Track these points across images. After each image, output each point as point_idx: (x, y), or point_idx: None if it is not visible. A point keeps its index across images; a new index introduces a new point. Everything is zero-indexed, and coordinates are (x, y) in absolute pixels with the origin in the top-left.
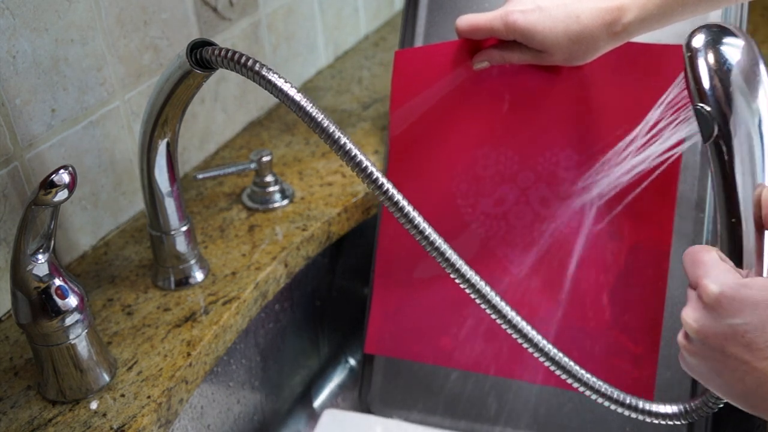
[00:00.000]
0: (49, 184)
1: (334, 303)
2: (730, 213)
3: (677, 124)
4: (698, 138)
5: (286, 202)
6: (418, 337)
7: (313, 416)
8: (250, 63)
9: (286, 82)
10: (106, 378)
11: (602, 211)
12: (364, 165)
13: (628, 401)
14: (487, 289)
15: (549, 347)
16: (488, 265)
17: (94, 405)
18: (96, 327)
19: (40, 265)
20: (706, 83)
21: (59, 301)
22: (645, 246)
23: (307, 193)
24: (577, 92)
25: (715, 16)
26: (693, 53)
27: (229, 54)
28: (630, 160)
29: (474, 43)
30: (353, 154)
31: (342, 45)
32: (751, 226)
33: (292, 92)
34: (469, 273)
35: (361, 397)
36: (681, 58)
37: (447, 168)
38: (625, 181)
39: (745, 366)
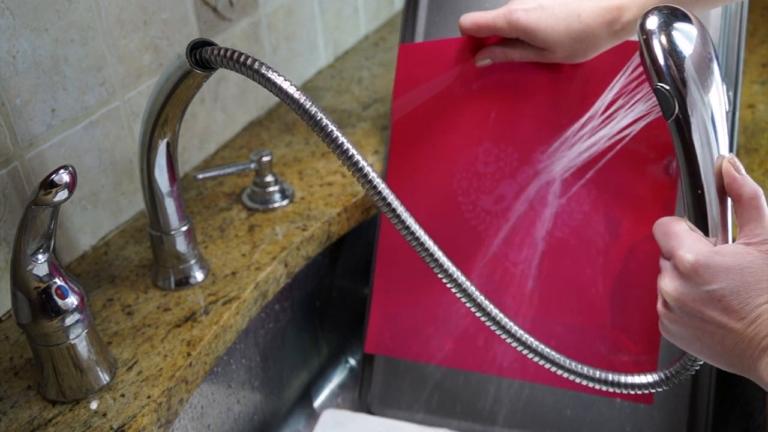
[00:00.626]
0: (49, 184)
1: (334, 303)
2: (695, 185)
3: (631, 105)
4: (654, 117)
5: (286, 202)
6: (418, 337)
7: (313, 416)
8: (249, 62)
9: (286, 80)
10: (106, 378)
11: (602, 211)
12: (360, 164)
13: (605, 377)
14: (476, 293)
15: (521, 333)
16: (488, 264)
17: (94, 405)
18: (96, 327)
19: (40, 265)
20: (662, 63)
21: (59, 301)
22: (644, 246)
23: (307, 193)
24: (576, 89)
25: (715, 15)
26: (648, 35)
27: (229, 53)
28: (582, 142)
29: (477, 41)
30: (350, 153)
31: (342, 45)
32: (714, 196)
33: (292, 90)
34: (459, 276)
35: (361, 397)
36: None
37: (447, 164)
38: (583, 161)
39: (723, 329)
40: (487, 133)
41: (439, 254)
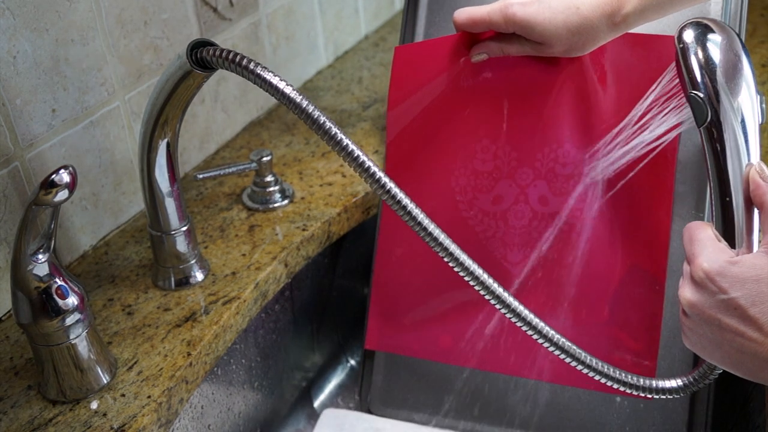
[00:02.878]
0: (49, 184)
1: (334, 303)
2: (723, 193)
3: (666, 114)
4: (686, 127)
5: (286, 202)
6: (419, 334)
7: (313, 416)
8: (245, 62)
9: (281, 80)
10: (107, 378)
11: (600, 209)
12: (362, 160)
13: (632, 380)
14: (491, 282)
15: (553, 334)
16: (486, 263)
17: (94, 405)
18: (96, 327)
19: (41, 265)
20: (697, 73)
21: (59, 301)
22: (643, 244)
23: (307, 193)
24: (575, 84)
25: (715, 9)
26: (684, 46)
27: (226, 54)
28: (618, 150)
29: (472, 37)
30: (351, 149)
31: (342, 45)
32: (741, 204)
33: (289, 90)
34: (474, 267)
35: (361, 397)
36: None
37: (445, 163)
38: (615, 170)
39: (742, 337)
40: (485, 130)
41: (447, 242)
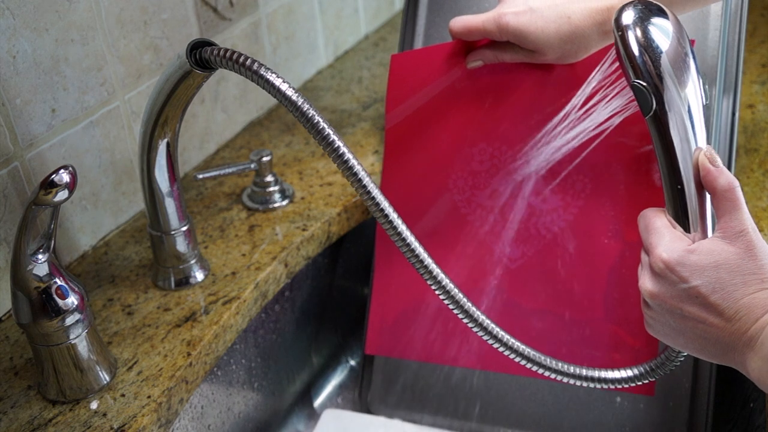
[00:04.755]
0: (49, 184)
1: (334, 303)
2: (674, 180)
3: (609, 99)
4: (633, 111)
5: (286, 202)
6: (419, 337)
7: (313, 416)
8: (248, 63)
9: (284, 82)
10: (107, 378)
11: (598, 206)
12: (355, 169)
13: (585, 374)
14: (461, 297)
15: (513, 342)
16: (485, 259)
17: (94, 405)
18: (96, 327)
19: (41, 265)
20: (638, 59)
21: (59, 301)
22: (640, 241)
23: (307, 193)
24: (569, 89)
25: (715, 15)
26: (623, 31)
27: (228, 54)
28: (562, 137)
29: (467, 44)
30: (346, 158)
31: (342, 45)
32: (693, 190)
33: (290, 92)
34: (447, 282)
35: (361, 397)
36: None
37: (442, 165)
38: (560, 156)
39: (704, 323)
40: (480, 132)
41: (428, 261)
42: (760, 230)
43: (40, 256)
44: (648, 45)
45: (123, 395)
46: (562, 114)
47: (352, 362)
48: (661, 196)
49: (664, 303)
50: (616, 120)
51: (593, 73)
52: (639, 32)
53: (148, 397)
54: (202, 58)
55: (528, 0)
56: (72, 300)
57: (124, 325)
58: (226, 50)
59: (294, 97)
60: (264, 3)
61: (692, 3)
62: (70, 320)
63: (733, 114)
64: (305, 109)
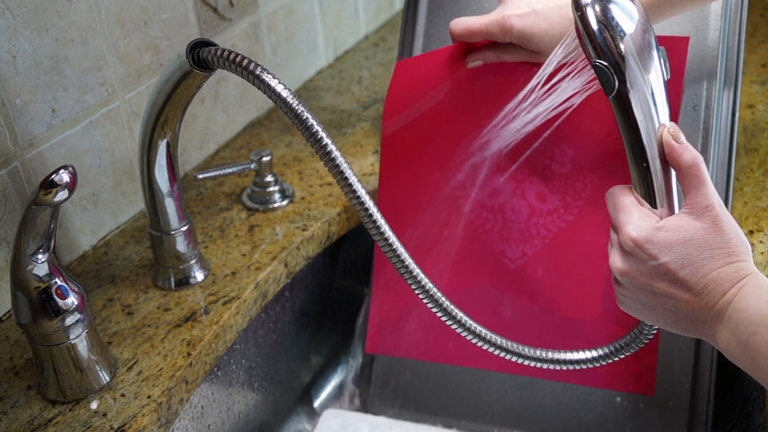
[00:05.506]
0: (49, 184)
1: (334, 303)
2: (640, 158)
3: (573, 77)
4: (595, 89)
5: (286, 202)
6: (419, 336)
7: (313, 416)
8: (245, 63)
9: (280, 83)
10: (107, 378)
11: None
12: (346, 174)
13: (549, 356)
14: (444, 300)
15: (473, 325)
16: (485, 258)
17: (94, 405)
18: (96, 327)
19: (41, 265)
20: (599, 38)
21: (59, 301)
22: None
23: (307, 193)
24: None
25: (715, 15)
26: (582, 10)
27: (225, 54)
28: (525, 115)
29: (468, 46)
30: (337, 162)
31: (342, 45)
32: (659, 166)
33: (285, 94)
34: (431, 287)
35: (361, 397)
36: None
37: (443, 162)
38: (523, 134)
39: (674, 299)
40: (479, 131)
41: (413, 267)
42: (760, 230)
43: (40, 256)
44: (608, 23)
45: (123, 395)
46: (522, 93)
47: (352, 362)
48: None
49: (634, 280)
50: (577, 100)
51: (554, 52)
52: (598, 10)
53: (148, 397)
54: (202, 58)
55: (531, 1)
56: (72, 300)
57: (124, 325)
58: (224, 50)
59: (289, 99)
60: (264, 3)
61: (692, 2)
62: (70, 320)
63: (733, 114)
64: (299, 111)
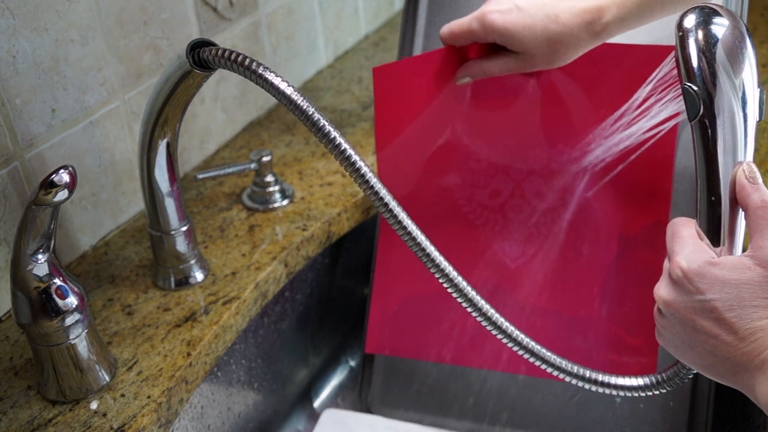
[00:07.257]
0: (49, 184)
1: (334, 303)
2: (711, 191)
3: (665, 102)
4: (683, 118)
5: (286, 202)
6: (419, 336)
7: (313, 416)
8: (247, 63)
9: (283, 81)
10: (106, 378)
11: (597, 207)
12: (358, 165)
13: (592, 377)
14: (472, 293)
15: (517, 333)
16: (486, 258)
17: (94, 405)
18: (96, 327)
19: (40, 265)
20: (694, 62)
21: (59, 301)
22: (641, 241)
23: (307, 193)
24: (560, 91)
25: None
26: (684, 33)
27: (227, 54)
28: (617, 135)
29: (456, 50)
30: (348, 154)
31: (342, 45)
32: (728, 204)
33: (290, 91)
34: (459, 281)
35: (361, 397)
36: (662, 58)
37: (440, 165)
38: (612, 155)
39: (715, 339)
40: (477, 133)
41: (436, 254)
42: None
43: (40, 256)
44: (707, 50)
45: (123, 395)
46: (618, 113)
47: (352, 362)
48: (661, 197)
49: (677, 313)
50: (669, 125)
51: (651, 77)
52: (699, 36)
53: (148, 397)
54: (202, 58)
55: None
56: (72, 300)
57: (124, 325)
58: (225, 50)
59: (294, 96)
60: (264, 3)
61: (691, 2)
62: (69, 320)
63: None
64: (305, 107)
